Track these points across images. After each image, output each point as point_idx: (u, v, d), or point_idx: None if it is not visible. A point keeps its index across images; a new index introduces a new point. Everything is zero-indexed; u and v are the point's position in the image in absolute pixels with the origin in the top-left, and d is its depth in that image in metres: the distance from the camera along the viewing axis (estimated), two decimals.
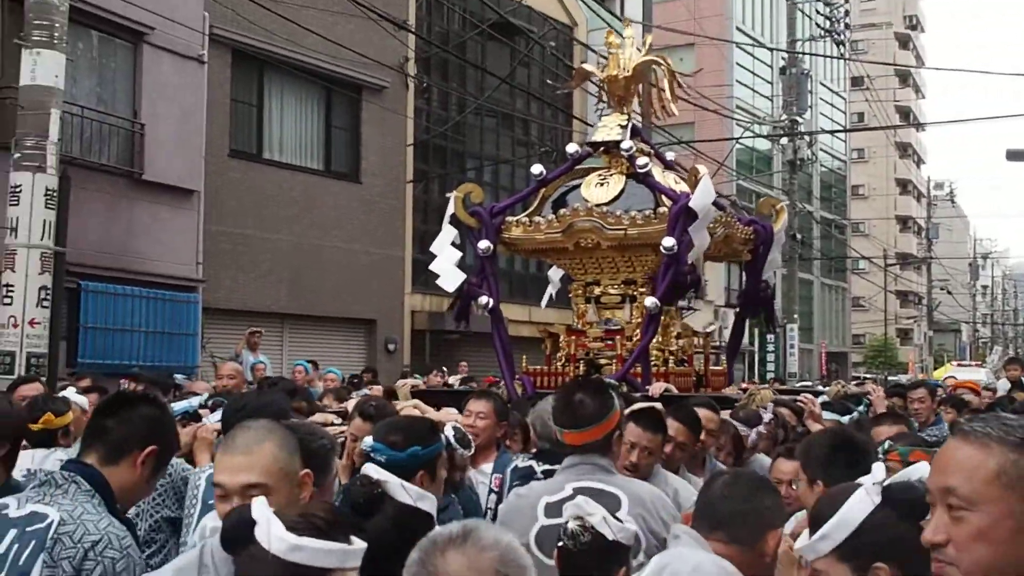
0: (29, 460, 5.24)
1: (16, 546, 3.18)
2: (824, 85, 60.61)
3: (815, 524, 2.77)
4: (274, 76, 23.02)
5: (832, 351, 57.69)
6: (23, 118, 13.71)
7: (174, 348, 18.55)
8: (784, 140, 37.84)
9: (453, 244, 9.32)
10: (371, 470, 3.63)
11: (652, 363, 8.88)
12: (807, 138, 39.32)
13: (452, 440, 4.70)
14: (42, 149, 13.68)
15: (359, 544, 2.61)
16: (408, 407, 6.81)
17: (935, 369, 54.70)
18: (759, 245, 9.57)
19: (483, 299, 9.02)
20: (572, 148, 9.66)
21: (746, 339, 37.81)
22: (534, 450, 5.86)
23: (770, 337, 38.30)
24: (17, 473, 4.55)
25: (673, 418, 5.65)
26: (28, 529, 3.21)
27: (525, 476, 5.45)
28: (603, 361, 8.98)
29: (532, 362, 9.68)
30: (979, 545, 2.12)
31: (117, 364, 16.34)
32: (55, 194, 13.78)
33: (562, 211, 8.94)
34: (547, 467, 5.32)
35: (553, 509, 4.17)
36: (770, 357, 38.25)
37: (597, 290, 9.28)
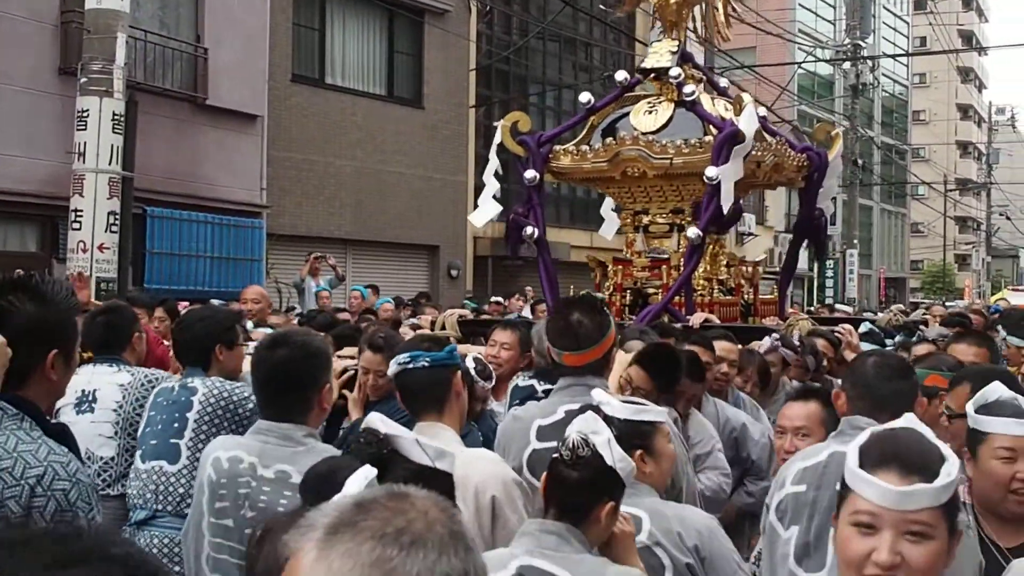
0: None
1: None
2: (887, 9, 59.69)
3: None
4: (336, 0, 22.79)
5: (890, 276, 57.30)
6: (89, 42, 13.67)
7: (239, 274, 18.56)
8: (846, 65, 37.33)
9: (496, 175, 9.23)
10: (377, 421, 3.00)
11: (699, 293, 8.80)
12: (869, 63, 38.69)
13: (472, 372, 4.55)
14: (109, 73, 13.65)
15: None
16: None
17: (992, 294, 54.19)
18: (813, 172, 9.40)
19: (528, 229, 8.92)
20: (621, 75, 9.46)
21: (804, 265, 37.91)
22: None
23: (829, 263, 38.15)
24: None
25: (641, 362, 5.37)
26: None
27: (527, 395, 5.44)
28: (650, 291, 8.89)
29: (583, 289, 9.56)
30: None
31: (183, 289, 16.35)
32: (122, 119, 13.78)
33: (608, 140, 8.81)
34: (548, 386, 5.26)
35: (545, 432, 4.12)
36: (829, 283, 38.04)
37: (645, 219, 9.15)
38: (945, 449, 2.38)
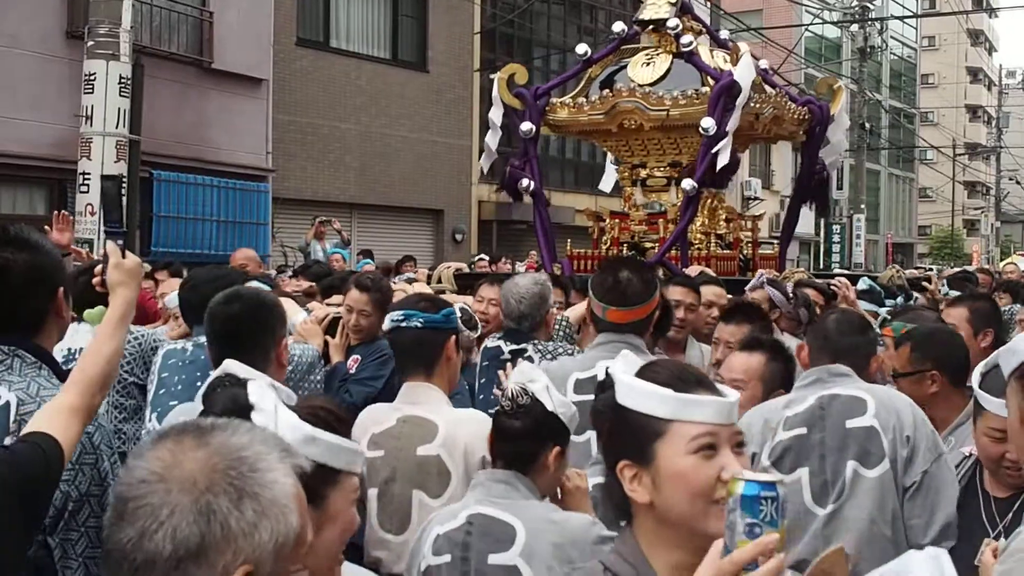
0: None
1: None
2: None
3: None
4: None
5: (898, 242, 57.14)
6: (95, 5, 13.80)
7: (245, 237, 18.65)
8: (854, 27, 37.14)
9: (498, 125, 9.31)
10: (235, 366, 3.01)
11: (696, 247, 8.81)
12: (877, 25, 38.50)
13: (458, 321, 4.70)
14: (115, 37, 13.77)
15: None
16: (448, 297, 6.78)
17: (1001, 259, 54.06)
18: (815, 126, 9.37)
19: (524, 181, 8.97)
20: (618, 27, 9.44)
21: (811, 228, 37.81)
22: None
23: (836, 227, 38.03)
24: None
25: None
26: None
27: (493, 356, 5.47)
28: (647, 245, 8.90)
29: (580, 247, 9.61)
30: None
31: (189, 253, 16.50)
32: (129, 82, 13.90)
33: (605, 92, 8.82)
34: (514, 347, 5.37)
35: (583, 385, 4.10)
36: (835, 248, 37.89)
37: (643, 172, 9.14)
38: None
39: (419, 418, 3.92)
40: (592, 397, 3.09)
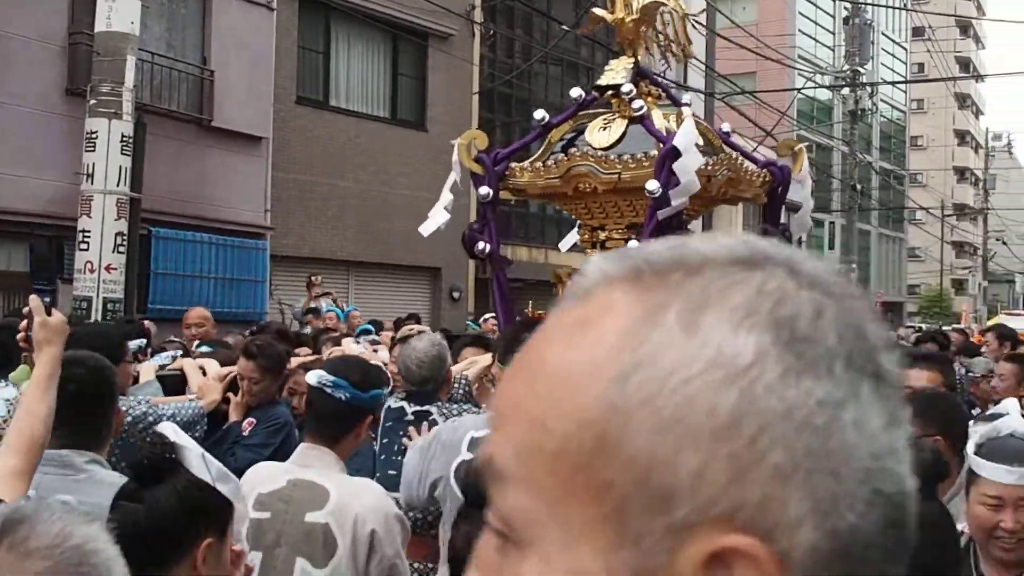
0: None
1: None
2: (886, 35, 59.94)
3: None
4: (341, 23, 22.89)
5: (888, 300, 57.25)
6: (99, 64, 13.75)
7: (243, 295, 18.64)
8: (845, 90, 37.49)
9: (453, 188, 9.39)
10: (168, 429, 2.93)
11: None
12: (868, 88, 38.88)
13: (383, 397, 4.63)
14: (118, 96, 13.74)
15: None
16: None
17: (989, 319, 54.30)
18: (776, 187, 9.50)
19: (480, 244, 9.07)
20: (576, 92, 9.61)
21: None
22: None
23: None
24: None
25: None
26: None
27: (397, 417, 5.51)
28: None
29: (543, 306, 9.72)
30: None
31: (187, 310, 16.39)
32: (131, 140, 13.85)
33: (560, 156, 8.94)
34: (418, 408, 5.43)
35: (478, 444, 4.12)
36: None
37: (602, 235, 9.26)
38: None
39: (310, 482, 3.84)
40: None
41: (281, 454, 4.87)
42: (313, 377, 4.03)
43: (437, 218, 9.41)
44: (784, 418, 0.71)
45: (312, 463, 3.91)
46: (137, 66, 14.54)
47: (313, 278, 17.43)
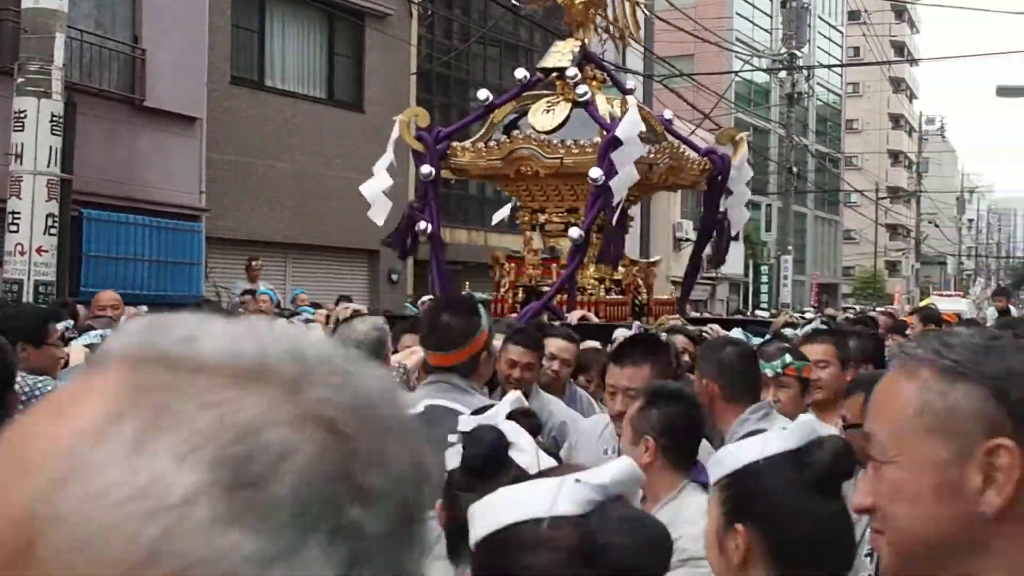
0: None
1: None
2: (822, 19, 60.38)
3: None
4: (275, 2, 22.61)
5: (823, 282, 57.89)
6: (26, 42, 13.43)
7: (177, 278, 18.33)
8: (782, 74, 37.72)
9: (390, 169, 9.27)
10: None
11: (589, 292, 9.00)
12: (805, 72, 39.14)
13: None
14: (47, 74, 13.41)
15: None
16: None
17: (921, 300, 54.97)
18: (717, 175, 9.54)
19: (422, 224, 9.01)
20: (520, 73, 9.57)
21: (740, 269, 38.22)
22: None
23: (764, 268, 38.66)
24: None
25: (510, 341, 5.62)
26: None
27: None
28: (544, 288, 9.00)
29: (480, 289, 9.73)
30: (897, 506, 1.58)
31: (120, 293, 16.10)
32: (61, 120, 13.54)
33: (502, 137, 8.90)
34: None
35: None
36: (764, 288, 38.54)
37: (542, 217, 9.31)
38: None
39: None
40: None
41: None
42: None
43: (380, 204, 9.28)
44: (210, 565, 0.65)
45: None
46: (66, 44, 14.22)
47: (253, 263, 17.25)
